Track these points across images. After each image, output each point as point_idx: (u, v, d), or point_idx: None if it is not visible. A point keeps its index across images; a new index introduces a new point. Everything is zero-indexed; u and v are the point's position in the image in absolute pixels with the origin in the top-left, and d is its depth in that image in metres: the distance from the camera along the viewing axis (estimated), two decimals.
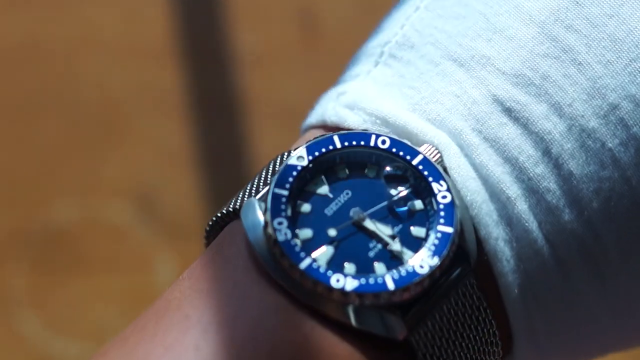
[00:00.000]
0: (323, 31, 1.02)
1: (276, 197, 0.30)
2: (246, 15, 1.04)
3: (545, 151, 0.31)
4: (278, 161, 0.32)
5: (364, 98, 0.33)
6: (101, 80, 1.00)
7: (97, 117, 0.98)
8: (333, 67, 1.01)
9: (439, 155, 0.32)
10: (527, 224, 0.31)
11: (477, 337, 0.31)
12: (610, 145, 0.31)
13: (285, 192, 0.30)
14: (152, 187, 0.94)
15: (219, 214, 0.32)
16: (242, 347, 0.28)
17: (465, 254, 0.31)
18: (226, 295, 0.29)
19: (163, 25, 1.04)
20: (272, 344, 0.29)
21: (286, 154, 0.32)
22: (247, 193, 0.32)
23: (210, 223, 0.33)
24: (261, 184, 0.32)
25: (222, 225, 0.32)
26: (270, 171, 0.32)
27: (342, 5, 1.04)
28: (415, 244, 0.30)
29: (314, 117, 0.35)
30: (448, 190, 0.31)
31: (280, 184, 0.30)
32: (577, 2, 0.33)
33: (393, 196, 0.31)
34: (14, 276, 0.90)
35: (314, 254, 0.30)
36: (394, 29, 0.35)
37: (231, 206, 0.32)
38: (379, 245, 0.30)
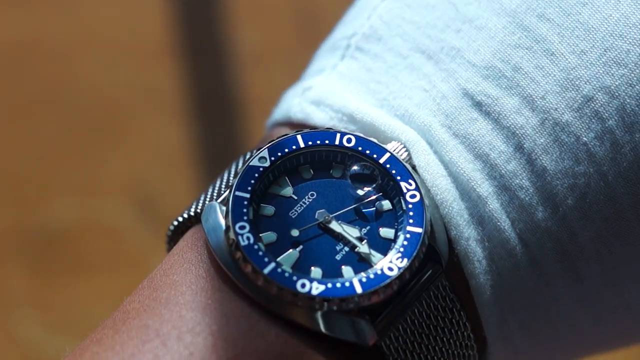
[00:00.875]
0: (323, 30, 1.02)
1: (238, 200, 0.29)
2: (246, 15, 1.04)
3: (518, 146, 0.30)
4: (240, 162, 0.31)
5: (330, 94, 0.32)
6: (101, 80, 0.99)
7: (96, 117, 0.98)
8: None
9: (406, 153, 0.31)
10: (499, 223, 0.30)
11: (452, 340, 0.30)
12: (585, 139, 0.30)
13: (247, 195, 0.29)
14: (151, 187, 0.94)
15: (179, 218, 0.31)
16: (202, 358, 0.27)
17: (436, 255, 0.30)
18: (187, 304, 0.28)
19: (163, 25, 1.04)
20: (234, 353, 0.27)
21: (249, 154, 0.31)
22: (208, 196, 0.31)
23: (172, 227, 0.31)
24: (222, 186, 0.31)
25: (183, 229, 0.31)
26: (232, 173, 0.31)
27: (341, 4, 1.04)
28: (383, 246, 0.29)
29: (279, 113, 0.34)
30: (417, 189, 0.30)
31: (241, 187, 0.29)
32: None
33: (360, 197, 0.30)
34: (12, 276, 0.89)
35: (279, 258, 0.29)
36: (360, 19, 0.34)
37: (192, 210, 0.31)
38: (346, 248, 0.29)
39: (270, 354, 0.28)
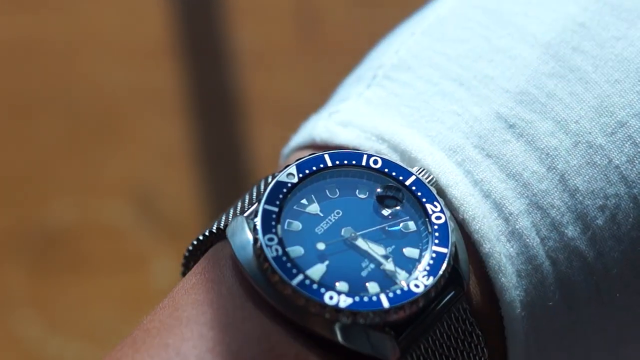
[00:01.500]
0: (322, 30, 1.02)
1: (266, 214, 0.30)
2: (245, 15, 1.04)
3: (551, 167, 0.31)
4: (262, 183, 0.31)
5: (359, 116, 0.33)
6: (100, 80, 0.99)
7: (96, 116, 0.98)
8: (333, 66, 1.01)
9: (432, 177, 0.31)
10: (528, 240, 0.31)
11: None
12: (617, 162, 0.31)
13: (276, 209, 0.30)
14: (151, 187, 0.94)
15: (200, 237, 0.31)
16: None
17: (459, 277, 0.30)
18: (208, 324, 0.28)
19: (163, 25, 1.04)
20: None
21: (270, 177, 0.31)
22: (231, 213, 0.31)
23: (194, 244, 0.32)
24: (246, 204, 0.31)
25: (203, 249, 0.32)
26: (253, 194, 0.31)
27: (341, 4, 1.04)
28: (408, 265, 0.30)
29: (299, 138, 0.34)
30: (442, 211, 0.30)
31: (270, 201, 0.30)
32: (584, 25, 0.32)
33: (385, 217, 0.31)
34: (12, 276, 0.89)
35: (306, 271, 0.29)
36: (388, 53, 0.34)
37: (214, 227, 0.31)
38: (372, 265, 0.30)
39: None
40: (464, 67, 0.32)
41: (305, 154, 0.32)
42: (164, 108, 0.98)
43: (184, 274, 0.33)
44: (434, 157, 0.31)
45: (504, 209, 0.31)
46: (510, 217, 0.31)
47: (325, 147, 0.33)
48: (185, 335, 0.28)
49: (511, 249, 0.31)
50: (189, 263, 0.32)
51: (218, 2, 1.05)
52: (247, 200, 0.31)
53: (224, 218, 0.31)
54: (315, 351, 0.28)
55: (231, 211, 0.31)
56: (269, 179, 0.31)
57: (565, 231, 0.31)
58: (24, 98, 0.99)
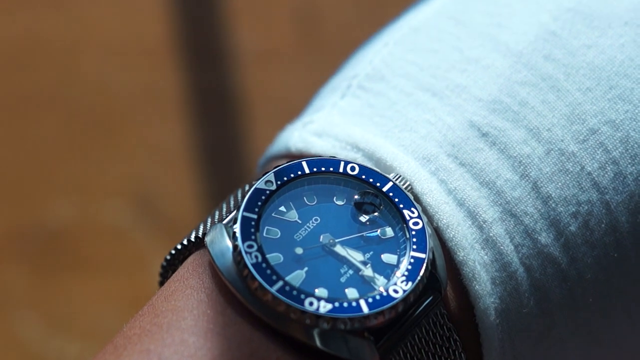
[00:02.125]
0: (323, 30, 1.02)
1: (245, 221, 0.30)
2: (246, 15, 1.04)
3: (524, 175, 0.31)
4: (239, 192, 0.32)
5: (333, 125, 0.33)
6: (100, 80, 0.99)
7: (96, 117, 0.98)
8: (333, 66, 1.01)
9: (408, 183, 0.31)
10: (502, 247, 0.31)
11: None
12: (589, 169, 0.31)
13: (255, 216, 0.30)
14: (150, 187, 0.94)
15: (178, 246, 0.31)
16: None
17: (436, 282, 0.30)
18: (189, 329, 0.28)
19: (162, 25, 1.04)
20: None
21: (247, 186, 0.31)
22: (211, 221, 0.31)
23: (172, 253, 0.32)
24: (224, 212, 0.31)
25: (182, 258, 0.32)
26: (233, 201, 0.31)
27: (341, 4, 1.04)
28: (386, 270, 0.30)
29: (275, 148, 0.34)
30: (419, 217, 0.31)
31: (249, 208, 0.30)
32: (555, 34, 0.33)
33: (363, 223, 0.31)
34: (12, 276, 0.89)
35: (286, 278, 0.29)
36: (362, 63, 0.34)
37: (192, 235, 0.31)
38: (350, 271, 0.30)
39: None
40: (437, 77, 0.33)
41: (280, 164, 0.32)
42: (163, 108, 0.98)
43: (161, 283, 0.33)
44: (408, 165, 0.32)
45: (477, 217, 0.31)
46: (484, 225, 0.31)
47: (300, 157, 0.33)
48: (167, 341, 0.28)
49: (485, 257, 0.31)
50: (166, 272, 0.32)
51: (218, 2, 1.05)
52: (224, 209, 0.31)
53: (201, 227, 0.31)
54: (295, 357, 0.29)
55: (209, 220, 0.31)
56: (246, 188, 0.31)
57: (539, 238, 0.31)
58: (24, 98, 0.99)
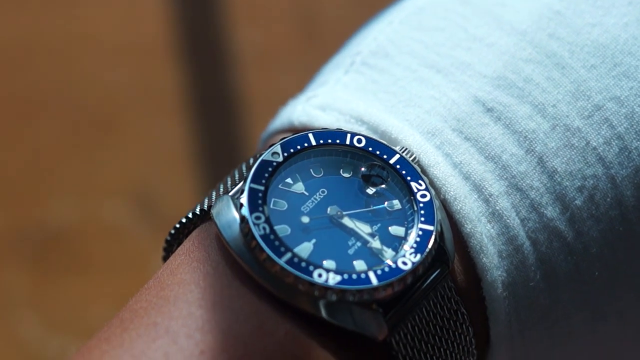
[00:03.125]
0: (323, 30, 1.02)
1: (253, 192, 0.29)
2: (246, 15, 1.04)
3: (529, 149, 0.31)
4: (244, 166, 0.31)
5: (337, 99, 0.33)
6: (100, 80, 0.99)
7: (96, 116, 0.98)
8: None
9: (414, 156, 0.31)
10: (509, 221, 0.31)
11: (455, 343, 0.30)
12: (594, 143, 0.31)
13: (262, 188, 0.30)
14: (150, 187, 0.94)
15: (183, 220, 0.31)
16: (213, 357, 0.27)
17: (444, 255, 0.30)
18: (196, 302, 0.28)
19: (162, 25, 1.04)
20: (243, 352, 0.28)
21: (251, 160, 0.31)
22: (216, 194, 0.31)
23: (176, 227, 0.31)
24: (229, 185, 0.31)
25: (186, 232, 0.31)
26: (238, 174, 0.31)
27: (342, 4, 1.04)
28: (394, 243, 0.30)
29: (278, 122, 0.34)
30: (427, 189, 0.30)
31: (256, 180, 0.30)
32: (559, 13, 0.33)
33: (370, 195, 0.31)
34: (12, 276, 0.89)
35: (294, 249, 0.29)
36: (366, 41, 0.34)
37: (197, 209, 0.31)
38: (358, 243, 0.30)
39: (279, 352, 0.28)
40: (442, 54, 0.33)
41: (288, 135, 0.32)
42: (164, 108, 0.98)
43: (165, 258, 0.32)
44: (414, 138, 0.31)
45: (483, 190, 0.31)
46: (490, 199, 0.31)
47: (304, 130, 0.32)
48: (174, 314, 0.28)
49: (492, 230, 0.31)
50: (171, 247, 0.32)
51: (218, 2, 1.05)
52: (229, 182, 0.31)
53: (206, 200, 0.31)
54: (304, 329, 0.28)
55: (214, 193, 0.31)
56: (251, 161, 0.31)
57: (545, 212, 0.31)
58: (24, 98, 0.99)
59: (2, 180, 0.94)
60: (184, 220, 0.31)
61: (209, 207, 0.30)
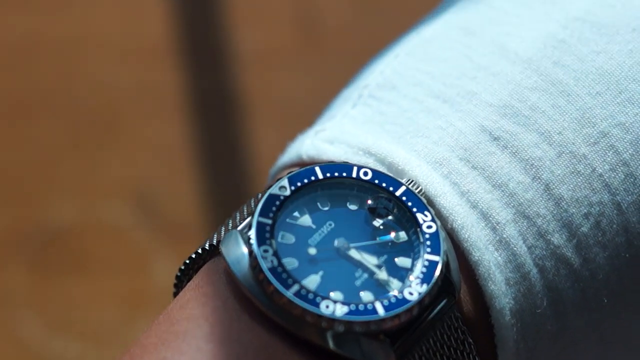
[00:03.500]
0: (323, 31, 1.02)
1: (260, 226, 0.30)
2: (246, 15, 1.04)
3: (535, 177, 0.31)
4: (253, 201, 0.32)
5: (345, 133, 0.33)
6: (100, 80, 0.99)
7: (96, 117, 0.98)
8: (333, 67, 1.01)
9: (420, 188, 0.32)
10: (515, 249, 0.31)
11: None
12: (600, 170, 0.32)
13: (269, 222, 0.30)
14: (150, 188, 0.94)
15: (196, 253, 0.32)
16: None
17: (450, 285, 0.30)
18: (205, 337, 0.28)
19: (163, 25, 1.04)
20: None
21: (259, 195, 0.31)
22: (225, 229, 0.31)
23: (186, 263, 0.32)
24: (237, 220, 0.31)
25: (196, 267, 0.32)
26: (246, 209, 0.31)
27: (341, 5, 1.04)
28: (401, 274, 0.30)
29: (286, 157, 0.34)
30: (433, 220, 0.31)
31: (263, 213, 0.30)
32: (564, 41, 0.33)
33: (377, 227, 0.31)
34: (12, 276, 0.89)
35: (302, 282, 0.29)
36: (373, 74, 0.35)
37: (207, 244, 0.31)
38: (365, 275, 0.30)
39: None
40: (447, 84, 0.33)
41: (295, 169, 0.32)
42: (164, 108, 0.98)
43: (175, 294, 0.33)
44: (421, 169, 0.32)
45: (490, 218, 0.31)
46: (498, 227, 0.31)
47: (312, 164, 0.33)
48: (183, 349, 0.28)
49: (499, 258, 0.31)
50: (181, 282, 0.33)
51: (218, 2, 1.05)
52: (238, 217, 0.31)
53: (215, 235, 0.31)
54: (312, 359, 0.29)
55: (223, 228, 0.31)
56: (259, 196, 0.31)
57: (552, 239, 0.31)
58: (24, 98, 0.99)
59: (2, 180, 0.94)
60: (193, 255, 0.32)
61: (218, 242, 0.31)
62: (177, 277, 0.32)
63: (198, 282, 0.30)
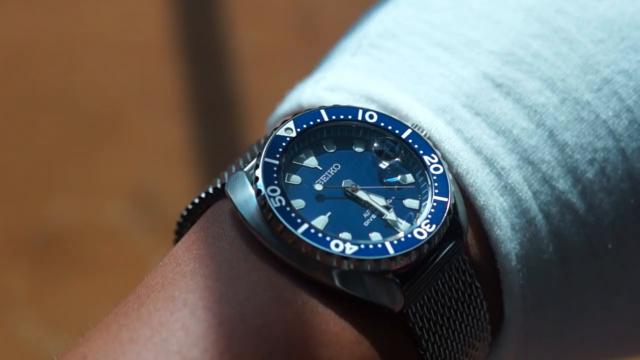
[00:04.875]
0: (322, 30, 1.02)
1: (268, 166, 0.29)
2: (246, 15, 1.04)
3: (539, 123, 0.31)
4: (255, 146, 0.31)
5: (346, 80, 0.33)
6: (99, 80, 0.99)
7: (95, 116, 0.98)
8: None
9: (425, 132, 0.31)
10: (521, 194, 0.31)
11: (470, 317, 0.30)
12: (604, 117, 0.32)
13: (276, 162, 0.30)
14: (150, 187, 0.94)
15: (199, 197, 0.31)
16: (232, 328, 0.27)
17: (458, 228, 0.30)
18: (213, 276, 0.28)
19: (162, 25, 1.04)
20: (262, 323, 0.28)
21: (263, 139, 0.31)
22: (228, 174, 0.31)
23: (188, 208, 0.31)
24: (241, 164, 0.31)
25: (199, 212, 0.31)
26: (249, 154, 0.31)
27: (341, 5, 1.04)
28: (409, 215, 0.30)
29: (286, 105, 0.34)
30: (439, 162, 0.31)
31: (270, 154, 0.30)
32: None
33: (384, 170, 0.31)
34: (11, 276, 0.89)
35: (311, 222, 0.29)
36: (373, 23, 0.34)
37: (210, 188, 0.31)
38: (373, 215, 0.30)
39: (297, 322, 0.28)
40: (449, 33, 0.33)
41: (300, 112, 0.32)
42: (164, 108, 0.98)
43: (175, 240, 0.32)
44: (424, 115, 0.31)
45: (495, 164, 0.31)
46: (502, 172, 0.31)
47: None
48: (191, 287, 0.28)
49: (504, 203, 0.31)
50: (182, 229, 0.32)
51: (218, 3, 1.05)
52: (241, 162, 0.31)
53: (219, 180, 0.31)
54: (321, 299, 0.28)
55: (226, 173, 0.31)
56: (262, 141, 0.31)
57: (557, 185, 0.31)
58: (24, 98, 0.99)
59: (2, 180, 0.94)
60: (196, 200, 0.31)
61: (223, 185, 0.30)
62: (178, 223, 0.32)
63: (203, 224, 0.30)
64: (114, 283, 0.89)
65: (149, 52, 1.01)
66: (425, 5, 0.34)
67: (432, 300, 0.29)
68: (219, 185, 0.31)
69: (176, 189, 0.94)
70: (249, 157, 0.31)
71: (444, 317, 0.30)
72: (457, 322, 0.30)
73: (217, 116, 1.00)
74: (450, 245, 0.30)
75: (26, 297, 0.88)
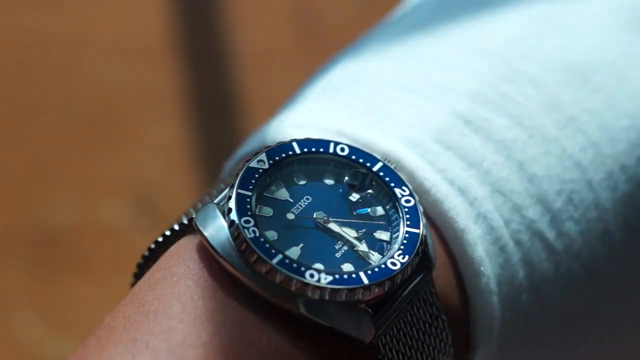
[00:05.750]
0: (323, 30, 1.02)
1: (241, 197, 0.29)
2: (246, 15, 1.04)
3: (509, 157, 0.32)
4: (221, 184, 0.31)
5: (314, 118, 0.33)
6: (100, 80, 1.00)
7: (96, 116, 0.98)
8: None
9: (394, 165, 0.32)
10: (493, 222, 0.32)
11: (436, 350, 0.30)
12: (570, 151, 0.33)
13: (249, 193, 0.30)
14: (150, 187, 0.94)
15: (163, 235, 0.31)
16: None
17: (427, 260, 0.30)
18: (177, 317, 0.28)
19: (162, 25, 1.04)
20: None
21: (214, 191, 0.31)
22: (194, 210, 0.30)
23: (151, 248, 0.31)
24: (207, 200, 0.30)
25: (162, 251, 0.31)
26: (215, 190, 0.31)
27: (341, 5, 1.04)
28: (380, 247, 0.30)
29: (249, 147, 0.33)
30: (411, 195, 0.31)
31: (243, 186, 0.30)
32: (525, 37, 0.34)
33: (354, 202, 0.31)
34: (12, 276, 0.89)
35: (285, 252, 0.29)
36: (334, 72, 0.35)
37: (175, 225, 0.30)
38: (345, 247, 0.30)
39: None
40: (414, 77, 0.33)
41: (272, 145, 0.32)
42: (164, 108, 0.98)
43: (136, 275, 0.32)
44: (396, 148, 0.32)
45: (468, 194, 0.32)
46: (475, 202, 0.31)
47: None
48: (154, 329, 0.27)
49: (479, 230, 0.31)
50: (142, 270, 0.32)
51: (218, 3, 1.05)
52: (208, 198, 0.31)
53: (184, 216, 0.31)
54: (288, 335, 0.28)
55: (191, 210, 0.31)
56: (224, 175, 0.31)
57: (526, 214, 0.32)
58: (24, 98, 0.99)
59: (2, 180, 0.94)
60: (160, 239, 0.31)
61: (190, 220, 0.30)
62: (138, 265, 0.32)
63: (167, 262, 0.29)
64: (113, 283, 0.89)
65: (149, 52, 1.01)
66: (387, 54, 0.35)
67: (401, 332, 0.29)
68: (185, 221, 0.30)
69: (176, 188, 0.94)
70: (215, 192, 0.31)
71: (412, 349, 0.30)
72: (424, 355, 0.30)
73: (217, 116, 1.00)
74: (419, 278, 0.30)
75: (26, 297, 0.89)
